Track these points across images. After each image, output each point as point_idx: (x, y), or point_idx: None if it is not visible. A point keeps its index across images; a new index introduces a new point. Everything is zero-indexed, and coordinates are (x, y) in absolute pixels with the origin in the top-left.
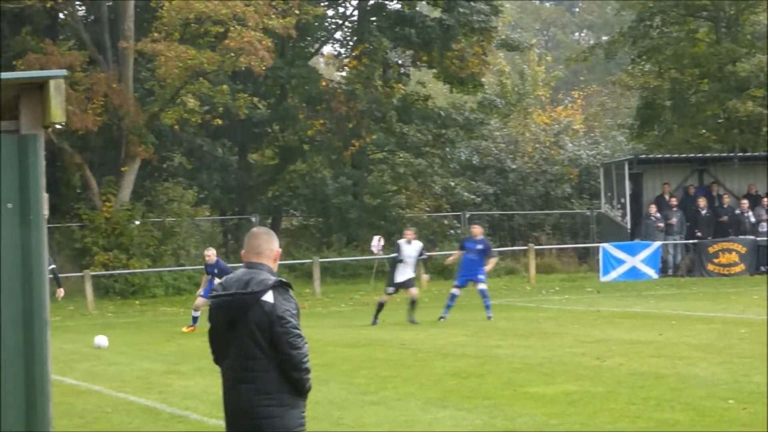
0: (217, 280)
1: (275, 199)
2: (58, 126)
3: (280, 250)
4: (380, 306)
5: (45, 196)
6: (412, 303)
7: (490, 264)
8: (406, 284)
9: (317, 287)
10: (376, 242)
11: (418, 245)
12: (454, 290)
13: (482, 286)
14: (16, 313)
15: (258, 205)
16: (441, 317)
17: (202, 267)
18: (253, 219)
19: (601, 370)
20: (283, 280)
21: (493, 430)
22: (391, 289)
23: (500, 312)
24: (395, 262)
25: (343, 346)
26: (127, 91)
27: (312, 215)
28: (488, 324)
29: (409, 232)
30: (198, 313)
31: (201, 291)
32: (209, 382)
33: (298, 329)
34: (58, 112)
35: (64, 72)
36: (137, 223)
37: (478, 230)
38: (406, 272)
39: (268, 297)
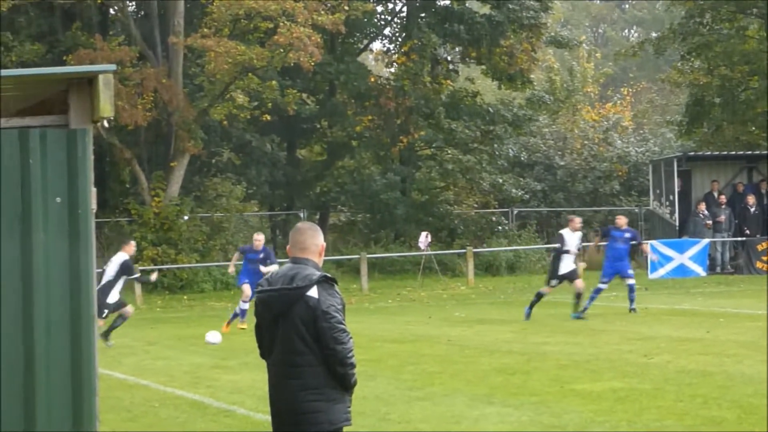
0: (263, 269)
1: (323, 194)
2: (106, 121)
3: (324, 244)
4: (539, 296)
5: (93, 190)
6: (577, 296)
7: (645, 250)
8: (571, 276)
9: (364, 283)
10: (424, 238)
11: (579, 235)
12: (602, 285)
13: (631, 281)
14: (65, 307)
15: (306, 201)
16: (584, 308)
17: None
18: (301, 214)
19: (648, 368)
20: (328, 275)
21: (540, 427)
22: (554, 282)
23: (547, 309)
24: (559, 253)
25: (389, 341)
26: (176, 87)
27: (360, 211)
28: (536, 321)
29: (575, 221)
30: (247, 305)
31: (238, 279)
32: (256, 376)
33: (343, 324)
34: (106, 107)
35: (113, 67)
36: (186, 218)
37: (623, 220)
38: (570, 264)
39: (313, 292)
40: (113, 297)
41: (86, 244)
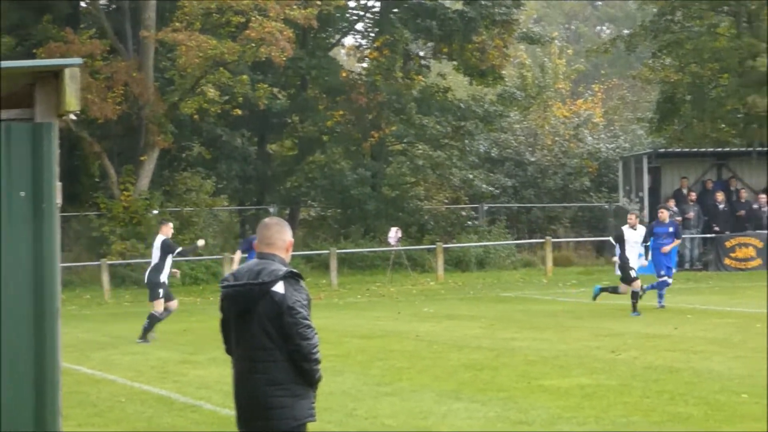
0: None
1: (293, 189)
2: (72, 115)
3: (292, 240)
4: (635, 295)
5: (58, 185)
6: (634, 294)
7: (674, 243)
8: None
9: (334, 278)
10: (394, 234)
11: (642, 230)
12: (667, 279)
13: (669, 279)
14: (28, 302)
15: (276, 196)
16: (660, 305)
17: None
18: (271, 209)
19: (615, 364)
20: (294, 270)
21: (507, 423)
22: (634, 273)
23: (517, 305)
24: (622, 251)
25: (358, 337)
26: (147, 81)
27: (330, 206)
28: (504, 317)
29: (633, 216)
30: None
31: None
32: (223, 371)
33: (309, 320)
34: (73, 101)
35: (79, 60)
36: (155, 212)
37: (666, 214)
38: (636, 259)
39: (279, 287)
40: (164, 278)
41: (50, 239)
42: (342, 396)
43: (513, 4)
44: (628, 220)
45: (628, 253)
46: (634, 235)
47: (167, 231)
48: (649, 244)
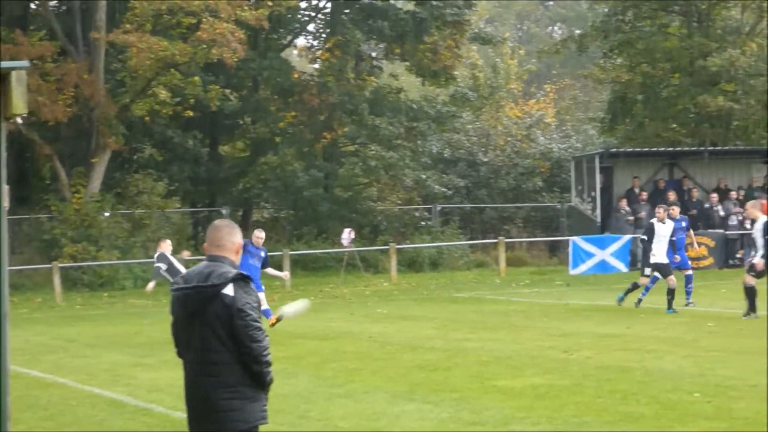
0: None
1: (246, 191)
2: (19, 119)
3: (242, 242)
4: (634, 286)
5: (5, 187)
6: (670, 292)
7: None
8: (664, 270)
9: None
10: (347, 235)
11: (671, 225)
12: (688, 272)
13: (688, 272)
14: None
15: (228, 198)
16: (688, 303)
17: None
18: (224, 211)
19: (568, 364)
20: (244, 273)
21: (460, 423)
22: (648, 270)
23: (470, 305)
24: (648, 243)
25: (311, 338)
26: (97, 82)
27: (283, 208)
28: (457, 317)
29: (661, 210)
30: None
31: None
32: (175, 374)
33: (258, 322)
34: (20, 104)
35: (26, 63)
36: (107, 214)
37: (676, 210)
38: (662, 255)
39: (229, 290)
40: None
41: None
42: (295, 398)
43: (464, 4)
44: (657, 214)
45: (655, 247)
46: (663, 229)
47: (164, 247)
48: (674, 238)
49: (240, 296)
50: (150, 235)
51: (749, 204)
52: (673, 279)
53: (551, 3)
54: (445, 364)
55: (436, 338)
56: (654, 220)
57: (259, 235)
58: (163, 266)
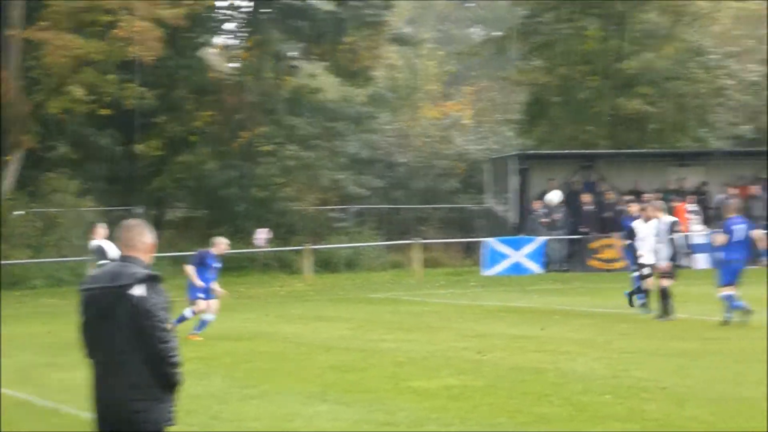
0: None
1: (161, 190)
2: None
3: (154, 242)
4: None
5: None
6: (662, 295)
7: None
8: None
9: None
10: (261, 235)
11: (654, 223)
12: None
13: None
14: None
15: (143, 197)
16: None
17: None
18: (139, 210)
19: (482, 365)
20: (153, 273)
21: (373, 424)
22: (635, 270)
23: (385, 306)
24: (631, 243)
25: (225, 339)
26: (11, 80)
27: (198, 207)
28: (373, 318)
29: (647, 210)
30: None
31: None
32: (86, 375)
33: (166, 323)
34: None
35: None
36: (19, 213)
37: (733, 207)
38: (649, 255)
39: (138, 290)
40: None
41: None
42: (207, 399)
43: (383, 5)
44: (641, 213)
45: (641, 247)
46: (645, 228)
47: (100, 234)
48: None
49: (149, 296)
50: (63, 233)
51: (651, 205)
52: (664, 282)
53: (473, 4)
54: (360, 365)
55: (350, 339)
56: (637, 221)
57: (222, 242)
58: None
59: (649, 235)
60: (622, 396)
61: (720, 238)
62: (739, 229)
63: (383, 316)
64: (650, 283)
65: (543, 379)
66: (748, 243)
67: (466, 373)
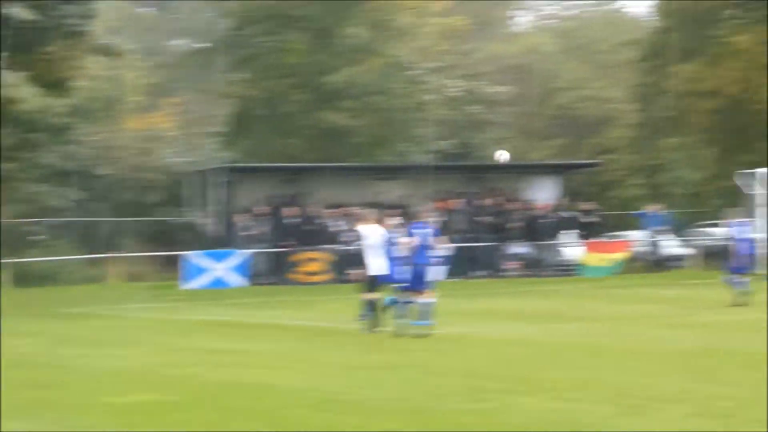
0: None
1: None
2: None
3: None
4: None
5: None
6: (379, 307)
7: None
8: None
9: None
10: None
11: (381, 231)
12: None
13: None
14: None
15: None
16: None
17: None
18: None
19: (179, 380)
20: None
21: None
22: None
23: (83, 321)
24: (361, 249)
25: None
26: None
27: None
28: (69, 333)
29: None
30: None
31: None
32: None
33: None
34: None
35: None
36: None
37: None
38: (380, 263)
39: None
40: None
41: None
42: None
43: (85, 14)
44: (375, 221)
45: (371, 254)
46: (372, 232)
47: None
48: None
49: None
50: None
51: (361, 214)
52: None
53: (177, 16)
54: (53, 382)
55: (44, 355)
56: (361, 225)
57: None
58: None
59: (380, 245)
60: (320, 409)
61: (407, 242)
62: (422, 233)
63: (80, 331)
64: (370, 295)
65: (242, 393)
66: (430, 248)
67: (162, 389)
